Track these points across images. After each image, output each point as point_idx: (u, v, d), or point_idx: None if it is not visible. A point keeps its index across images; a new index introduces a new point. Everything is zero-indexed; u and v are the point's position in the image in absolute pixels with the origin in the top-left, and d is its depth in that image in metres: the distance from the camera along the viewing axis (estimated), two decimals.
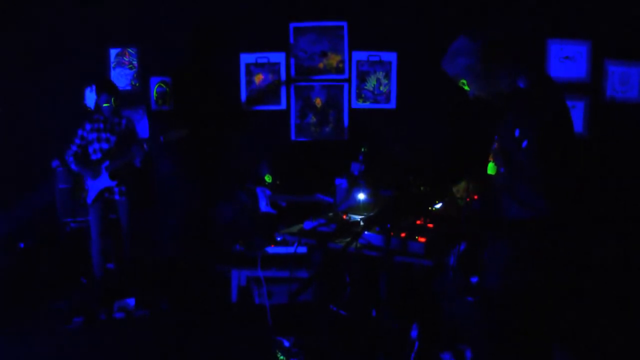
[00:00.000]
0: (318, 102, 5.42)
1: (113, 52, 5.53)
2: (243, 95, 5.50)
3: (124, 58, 5.54)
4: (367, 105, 5.37)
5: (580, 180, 2.47)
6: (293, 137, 5.49)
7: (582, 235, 4.31)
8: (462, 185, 2.86)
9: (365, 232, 2.63)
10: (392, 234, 2.51)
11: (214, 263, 5.05)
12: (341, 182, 3.46)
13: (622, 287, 4.41)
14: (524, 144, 2.23)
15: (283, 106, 5.47)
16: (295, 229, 3.07)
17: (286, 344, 3.51)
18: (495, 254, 2.49)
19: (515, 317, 2.45)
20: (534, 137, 2.22)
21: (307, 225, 2.92)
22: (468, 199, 2.74)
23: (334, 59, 5.34)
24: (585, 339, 3.63)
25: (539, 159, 2.24)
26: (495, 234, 2.49)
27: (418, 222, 2.84)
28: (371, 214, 3.12)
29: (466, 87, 2.52)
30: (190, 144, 5.11)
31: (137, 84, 5.57)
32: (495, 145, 2.54)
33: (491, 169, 2.60)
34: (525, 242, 2.36)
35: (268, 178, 4.99)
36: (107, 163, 4.57)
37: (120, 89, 5.11)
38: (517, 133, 2.25)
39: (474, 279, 3.15)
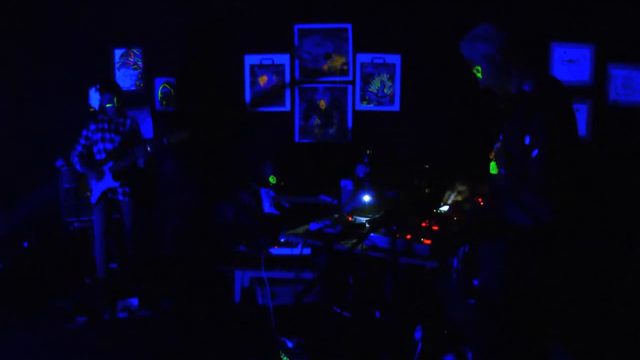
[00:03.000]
0: (322, 103, 5.43)
1: (118, 52, 5.56)
2: (247, 97, 5.51)
3: (129, 59, 5.56)
4: (371, 107, 5.39)
5: (583, 186, 2.47)
6: (297, 139, 5.50)
7: (583, 239, 4.33)
8: (458, 189, 2.87)
9: (371, 234, 2.64)
10: (397, 235, 2.52)
11: (217, 263, 5.06)
12: (346, 184, 3.47)
13: (623, 288, 4.42)
14: (534, 153, 2.22)
15: (287, 108, 5.49)
16: (300, 230, 3.08)
17: (289, 344, 3.51)
18: (496, 256, 2.50)
19: (515, 320, 2.46)
20: (545, 147, 2.21)
21: (313, 226, 2.93)
22: (473, 201, 2.74)
23: (338, 61, 5.36)
24: (585, 340, 3.65)
25: (549, 170, 2.24)
26: (496, 237, 2.50)
27: (423, 224, 2.85)
28: (376, 215, 3.14)
29: (479, 75, 2.53)
30: (194, 144, 5.12)
31: (142, 85, 5.59)
32: (498, 144, 2.55)
33: (493, 168, 2.61)
34: (526, 246, 2.37)
35: (272, 179, 5.00)
36: (110, 163, 4.58)
37: (125, 89, 5.14)
38: (527, 140, 2.24)
39: (476, 282, 3.16)
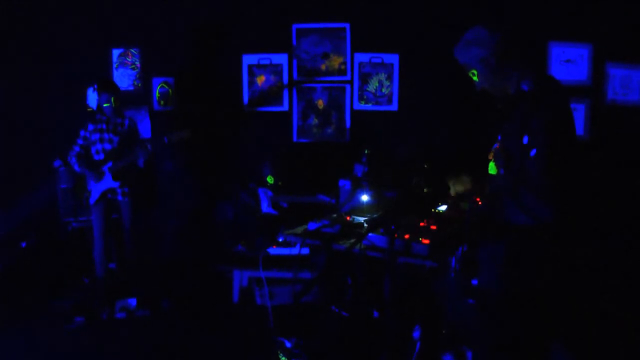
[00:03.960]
0: (320, 103, 5.43)
1: (116, 52, 5.55)
2: (245, 97, 5.51)
3: (127, 58, 5.55)
4: (369, 107, 5.39)
5: (582, 186, 2.47)
6: (295, 139, 5.50)
7: (582, 239, 4.33)
8: (462, 179, 2.86)
9: (370, 234, 2.64)
10: (396, 235, 2.52)
11: (216, 263, 5.05)
12: (344, 184, 3.47)
13: (622, 288, 4.42)
14: (533, 152, 2.22)
15: (285, 107, 5.48)
16: (299, 230, 3.07)
17: (288, 344, 3.51)
18: (494, 256, 2.50)
19: (515, 320, 2.47)
20: (543, 147, 2.22)
21: (312, 226, 2.93)
22: (472, 201, 2.74)
23: (336, 61, 5.36)
24: (585, 340, 3.65)
25: (548, 170, 2.24)
26: (495, 237, 2.50)
27: (422, 223, 2.85)
28: (375, 215, 3.14)
29: (475, 78, 2.52)
30: (193, 144, 5.12)
31: (140, 85, 5.58)
32: (497, 145, 2.55)
33: (492, 168, 2.61)
34: (526, 247, 2.38)
35: (270, 179, 5.00)
36: (109, 164, 4.57)
37: (123, 89, 5.13)
38: (525, 140, 2.24)
39: (475, 282, 3.16)
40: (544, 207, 2.30)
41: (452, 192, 2.88)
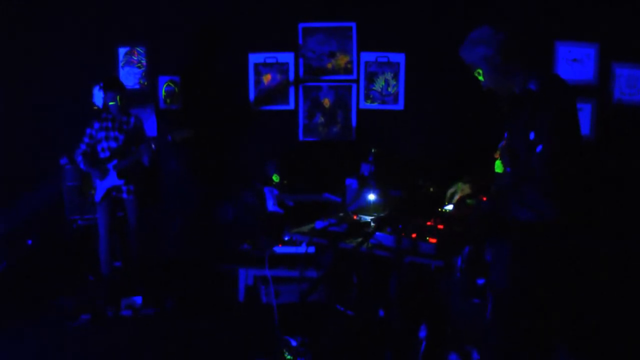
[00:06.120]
0: (326, 102, 5.43)
1: (122, 50, 5.56)
2: (251, 95, 5.51)
3: (133, 57, 5.56)
4: (375, 106, 5.39)
5: (587, 184, 2.47)
6: (301, 137, 5.50)
7: (586, 237, 4.32)
8: (459, 186, 2.87)
9: (377, 233, 2.64)
10: (403, 234, 2.52)
11: (221, 262, 5.06)
12: (351, 183, 3.47)
13: (624, 288, 4.41)
14: (539, 148, 2.23)
15: (291, 106, 5.49)
16: (305, 228, 3.07)
17: (293, 343, 3.51)
18: (501, 254, 2.50)
19: (521, 318, 2.47)
20: (549, 143, 2.22)
21: (319, 225, 2.92)
22: (478, 200, 2.74)
23: (342, 60, 5.36)
24: (587, 339, 3.64)
25: (553, 166, 2.25)
26: (500, 235, 2.50)
27: (429, 223, 2.85)
28: (382, 214, 3.13)
29: (480, 78, 2.53)
30: (198, 143, 5.12)
31: (146, 83, 5.59)
32: (504, 143, 2.56)
33: (498, 166, 2.62)
34: (530, 243, 2.38)
35: (276, 178, 5.00)
36: (115, 162, 4.58)
37: (129, 87, 5.14)
38: (531, 136, 2.25)
39: (480, 281, 3.16)
40: (546, 203, 2.30)
41: (454, 200, 2.89)
